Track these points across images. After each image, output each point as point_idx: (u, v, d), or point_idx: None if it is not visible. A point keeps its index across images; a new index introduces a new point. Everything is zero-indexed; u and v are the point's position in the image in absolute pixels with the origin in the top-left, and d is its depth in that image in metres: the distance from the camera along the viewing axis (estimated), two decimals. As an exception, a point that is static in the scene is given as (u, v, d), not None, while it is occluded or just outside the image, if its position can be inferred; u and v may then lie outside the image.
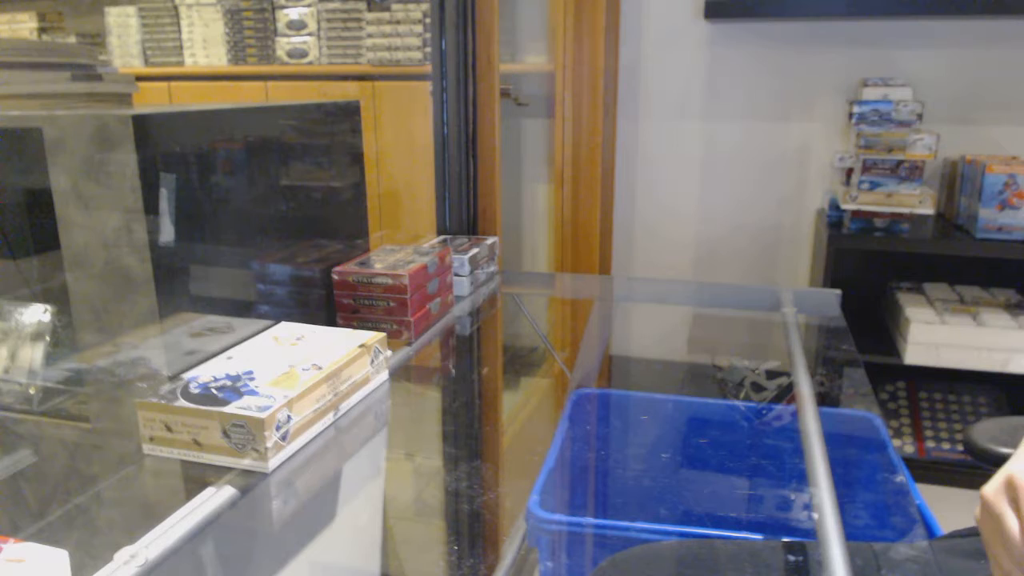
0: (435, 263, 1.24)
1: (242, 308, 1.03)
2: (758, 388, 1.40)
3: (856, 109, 1.89)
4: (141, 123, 0.84)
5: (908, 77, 2.03)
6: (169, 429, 0.80)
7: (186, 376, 0.87)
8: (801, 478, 1.02)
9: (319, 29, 2.54)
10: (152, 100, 2.65)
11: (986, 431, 0.89)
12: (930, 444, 2.02)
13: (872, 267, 2.19)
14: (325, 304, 1.18)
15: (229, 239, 0.99)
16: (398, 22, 2.45)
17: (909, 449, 2.02)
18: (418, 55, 2.45)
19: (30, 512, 0.85)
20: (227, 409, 0.78)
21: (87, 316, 0.90)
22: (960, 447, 2.00)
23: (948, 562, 0.75)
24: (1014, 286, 2.06)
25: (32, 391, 0.97)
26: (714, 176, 2.27)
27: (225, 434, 0.78)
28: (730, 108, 2.21)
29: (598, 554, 0.94)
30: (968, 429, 0.90)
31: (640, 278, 2.26)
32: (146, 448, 0.81)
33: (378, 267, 1.17)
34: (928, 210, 1.86)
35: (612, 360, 1.69)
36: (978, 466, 0.87)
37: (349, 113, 1.26)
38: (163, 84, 2.68)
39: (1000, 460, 0.75)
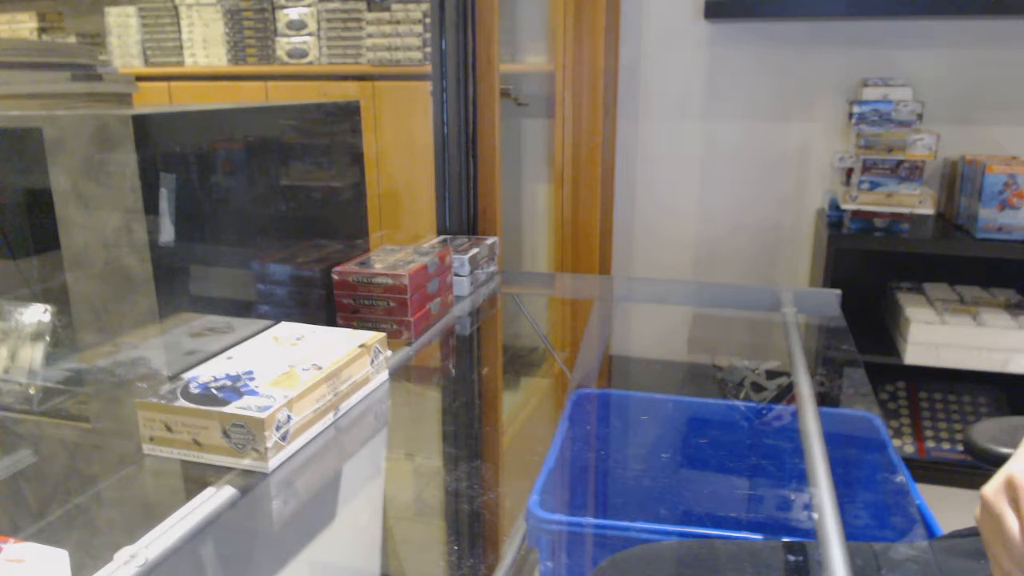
0: (435, 263, 1.24)
1: (242, 308, 1.03)
2: (758, 388, 1.40)
3: (856, 109, 1.89)
4: (141, 123, 0.84)
5: (908, 77, 2.03)
6: (169, 429, 0.80)
7: (186, 376, 0.87)
8: (801, 478, 1.02)
9: (319, 29, 2.54)
10: (152, 100, 2.65)
11: (986, 431, 0.89)
12: (930, 444, 2.02)
13: (872, 267, 2.19)
14: (325, 304, 1.18)
15: (229, 239, 0.99)
16: (398, 22, 2.45)
17: (909, 449, 2.02)
18: (418, 55, 2.45)
19: (30, 512, 0.85)
20: (227, 409, 0.78)
21: (87, 316, 0.90)
22: (960, 447, 2.00)
23: (948, 562, 0.75)
24: (1014, 286, 2.06)
25: (32, 391, 0.97)
26: (714, 176, 2.27)
27: (225, 434, 0.78)
28: (730, 108, 2.21)
29: (598, 554, 0.94)
30: (968, 429, 0.90)
31: (640, 278, 2.26)
32: (146, 448, 0.81)
33: (378, 267, 1.17)
34: (928, 210, 1.86)
35: (612, 360, 1.69)
36: (978, 466, 0.87)
37: (349, 113, 1.26)
38: (163, 84, 2.68)
39: (1000, 460, 0.75)
